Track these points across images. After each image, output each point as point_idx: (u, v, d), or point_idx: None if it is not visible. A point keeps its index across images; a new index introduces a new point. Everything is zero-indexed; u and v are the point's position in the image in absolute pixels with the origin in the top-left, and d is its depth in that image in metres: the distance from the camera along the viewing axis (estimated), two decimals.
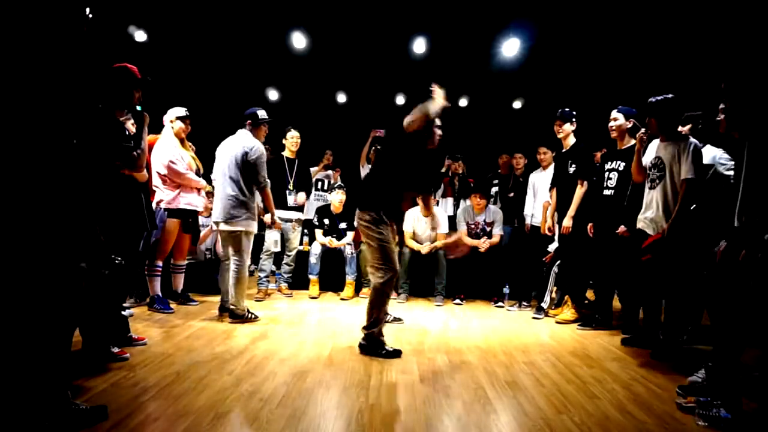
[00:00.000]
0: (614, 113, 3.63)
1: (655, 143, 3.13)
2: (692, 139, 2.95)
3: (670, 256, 2.82)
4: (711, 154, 3.06)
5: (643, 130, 3.19)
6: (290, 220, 4.87)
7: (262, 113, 3.82)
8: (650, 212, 3.04)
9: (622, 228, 3.38)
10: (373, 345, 2.96)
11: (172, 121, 3.97)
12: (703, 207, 2.90)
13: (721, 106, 2.37)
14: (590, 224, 3.86)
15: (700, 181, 2.87)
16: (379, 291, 2.96)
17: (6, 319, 1.65)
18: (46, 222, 1.67)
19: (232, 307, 3.68)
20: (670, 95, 3.01)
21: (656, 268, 2.93)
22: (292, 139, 4.92)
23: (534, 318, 4.29)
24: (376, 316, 2.98)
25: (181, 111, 3.98)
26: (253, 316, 3.76)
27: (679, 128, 3.15)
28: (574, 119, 4.10)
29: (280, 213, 4.84)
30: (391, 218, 3.03)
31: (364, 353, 2.94)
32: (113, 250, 2.58)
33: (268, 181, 3.77)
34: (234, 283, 3.65)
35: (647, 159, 3.14)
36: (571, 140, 4.11)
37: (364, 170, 5.92)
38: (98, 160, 2.40)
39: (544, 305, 4.42)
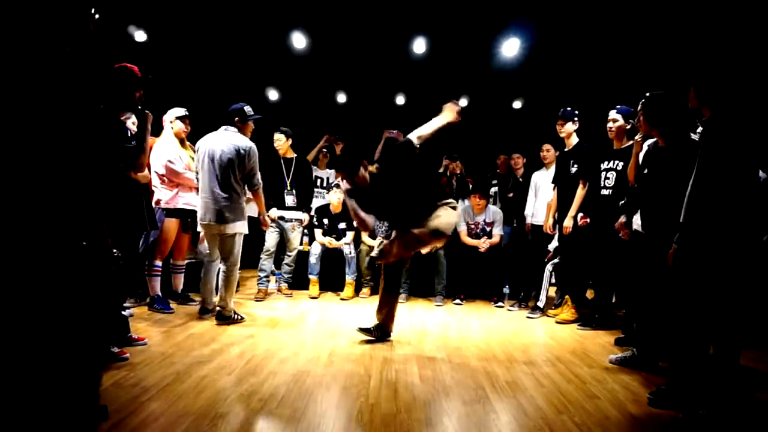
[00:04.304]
0: (613, 114, 3.63)
1: (647, 144, 3.14)
2: None
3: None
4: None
5: (639, 136, 3.20)
6: (289, 220, 4.86)
7: (248, 109, 3.71)
8: None
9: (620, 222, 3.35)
10: None
11: (171, 122, 3.99)
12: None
13: (639, 107, 2.76)
14: (581, 214, 3.89)
15: None
16: None
17: (8, 320, 1.65)
18: (51, 222, 1.68)
19: (219, 308, 3.62)
20: None
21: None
22: (276, 143, 4.85)
23: (528, 317, 4.29)
24: None
25: (181, 111, 3.99)
26: (239, 317, 3.72)
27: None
28: (576, 118, 4.10)
29: (278, 213, 4.85)
30: None
31: None
32: (116, 249, 2.58)
33: (261, 182, 3.71)
34: (224, 284, 3.59)
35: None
36: (574, 140, 4.11)
37: None
38: (101, 160, 2.41)
39: (540, 304, 4.42)
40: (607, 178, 3.68)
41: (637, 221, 3.04)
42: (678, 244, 2.21)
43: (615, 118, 3.62)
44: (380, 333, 3.33)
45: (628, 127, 3.57)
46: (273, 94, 7.31)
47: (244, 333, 3.38)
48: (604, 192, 3.69)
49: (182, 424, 1.90)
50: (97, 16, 1.88)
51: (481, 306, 4.85)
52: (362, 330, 3.33)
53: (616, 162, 3.62)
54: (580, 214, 3.92)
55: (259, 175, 3.68)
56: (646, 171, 2.86)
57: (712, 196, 2.10)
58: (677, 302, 2.26)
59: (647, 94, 2.77)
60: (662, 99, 2.70)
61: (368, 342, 3.26)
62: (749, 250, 2.13)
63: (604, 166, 3.72)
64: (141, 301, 4.09)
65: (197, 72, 6.40)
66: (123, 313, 2.96)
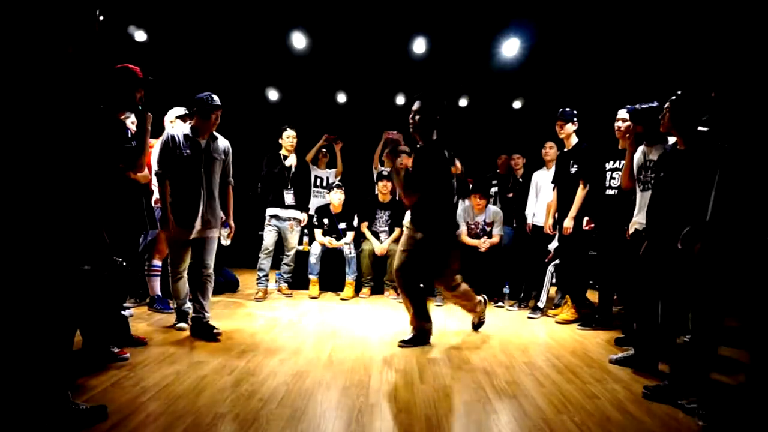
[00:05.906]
0: (623, 113, 3.56)
1: (640, 149, 3.14)
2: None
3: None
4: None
5: (630, 136, 3.19)
6: (288, 219, 4.86)
7: (208, 96, 3.30)
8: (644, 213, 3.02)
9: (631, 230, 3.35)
10: None
11: (172, 121, 3.99)
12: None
13: (667, 105, 2.61)
14: (587, 218, 3.88)
15: None
16: None
17: (7, 320, 1.65)
18: (50, 223, 1.67)
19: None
20: (654, 103, 3.04)
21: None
22: (287, 139, 4.89)
23: (529, 317, 4.28)
24: None
25: (181, 110, 3.99)
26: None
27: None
28: (575, 119, 4.09)
29: (277, 212, 4.85)
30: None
31: None
32: (115, 251, 2.58)
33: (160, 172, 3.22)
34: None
35: (635, 164, 3.14)
36: (574, 140, 4.11)
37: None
38: (100, 160, 2.40)
39: (541, 305, 4.41)
40: (612, 178, 3.67)
41: (639, 221, 3.04)
42: (703, 242, 2.17)
43: (625, 118, 3.56)
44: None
45: None
46: (273, 94, 7.31)
47: (244, 333, 3.38)
48: (610, 192, 3.67)
49: (182, 424, 1.90)
50: (101, 17, 1.88)
51: None
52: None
53: (622, 162, 3.61)
54: (586, 218, 3.91)
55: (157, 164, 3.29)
56: (662, 174, 2.80)
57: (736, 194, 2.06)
58: (696, 300, 2.23)
59: (678, 92, 2.69)
60: (691, 100, 2.61)
61: (368, 342, 3.26)
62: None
63: (609, 166, 3.70)
64: (141, 301, 4.09)
65: (197, 72, 6.39)
66: (123, 313, 2.96)
